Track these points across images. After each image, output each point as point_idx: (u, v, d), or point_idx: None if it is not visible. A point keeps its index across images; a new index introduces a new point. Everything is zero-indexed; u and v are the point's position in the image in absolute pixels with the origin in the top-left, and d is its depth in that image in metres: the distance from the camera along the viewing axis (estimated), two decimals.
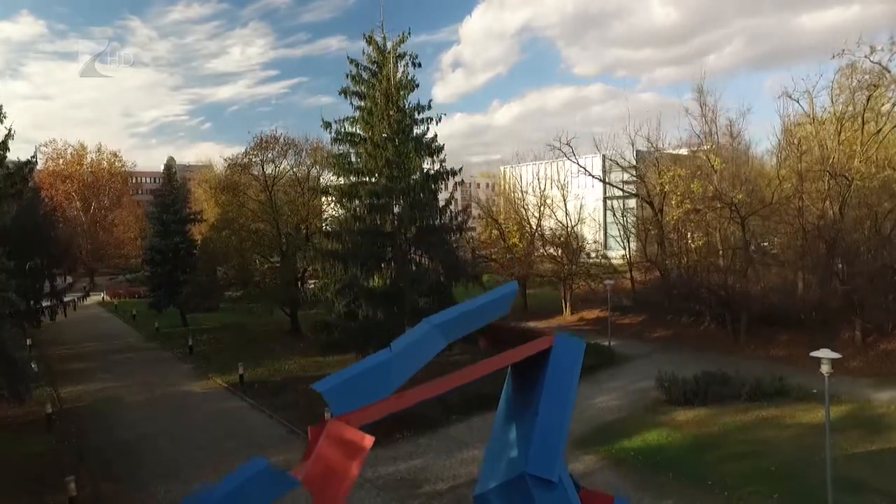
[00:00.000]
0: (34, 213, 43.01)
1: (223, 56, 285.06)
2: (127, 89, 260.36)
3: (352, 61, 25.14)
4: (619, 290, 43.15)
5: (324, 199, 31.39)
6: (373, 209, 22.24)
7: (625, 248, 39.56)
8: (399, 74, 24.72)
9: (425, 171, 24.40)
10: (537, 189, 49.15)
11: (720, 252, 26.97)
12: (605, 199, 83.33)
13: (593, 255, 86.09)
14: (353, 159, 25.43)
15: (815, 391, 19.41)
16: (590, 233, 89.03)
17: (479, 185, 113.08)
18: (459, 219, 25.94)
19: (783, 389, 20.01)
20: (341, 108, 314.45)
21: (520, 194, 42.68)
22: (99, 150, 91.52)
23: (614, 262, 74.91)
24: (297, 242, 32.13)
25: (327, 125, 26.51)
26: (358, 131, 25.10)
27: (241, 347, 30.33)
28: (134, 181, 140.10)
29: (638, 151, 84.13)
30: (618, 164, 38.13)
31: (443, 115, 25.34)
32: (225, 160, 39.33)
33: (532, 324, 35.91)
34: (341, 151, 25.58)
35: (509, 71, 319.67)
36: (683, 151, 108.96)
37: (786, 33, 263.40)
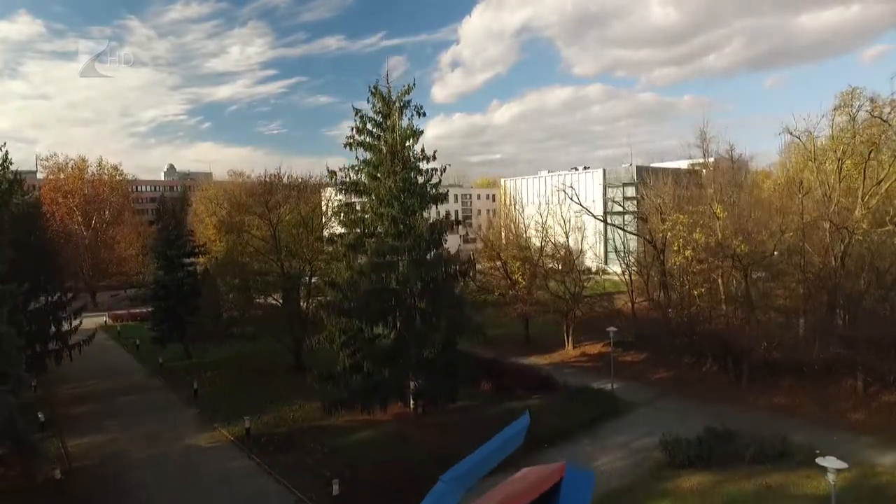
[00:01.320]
0: (38, 234, 43.54)
1: (222, 55, 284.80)
2: (125, 89, 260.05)
3: (357, 112, 25.38)
4: (619, 314, 43.56)
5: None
6: (378, 267, 22.37)
7: (625, 269, 39.49)
8: (404, 124, 25.00)
9: (430, 221, 24.61)
10: (538, 211, 49.33)
11: (722, 298, 27.12)
12: (605, 213, 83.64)
13: (593, 269, 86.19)
14: (358, 208, 25.70)
15: (818, 452, 19.62)
16: (590, 248, 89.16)
17: (479, 195, 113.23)
18: (464, 267, 26.12)
19: (787, 451, 20.16)
20: (341, 108, 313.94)
21: (522, 225, 42.57)
22: (100, 164, 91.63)
23: (614, 277, 75.03)
24: (301, 280, 32.32)
25: (332, 174, 26.74)
26: (363, 179, 25.35)
27: (245, 388, 30.48)
28: (135, 189, 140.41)
29: (639, 167, 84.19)
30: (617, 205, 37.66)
31: (448, 166, 25.53)
32: (228, 199, 39.27)
33: (533, 358, 36.09)
34: (346, 201, 25.81)
35: (508, 71, 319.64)
36: (683, 165, 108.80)
37: (785, 33, 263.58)
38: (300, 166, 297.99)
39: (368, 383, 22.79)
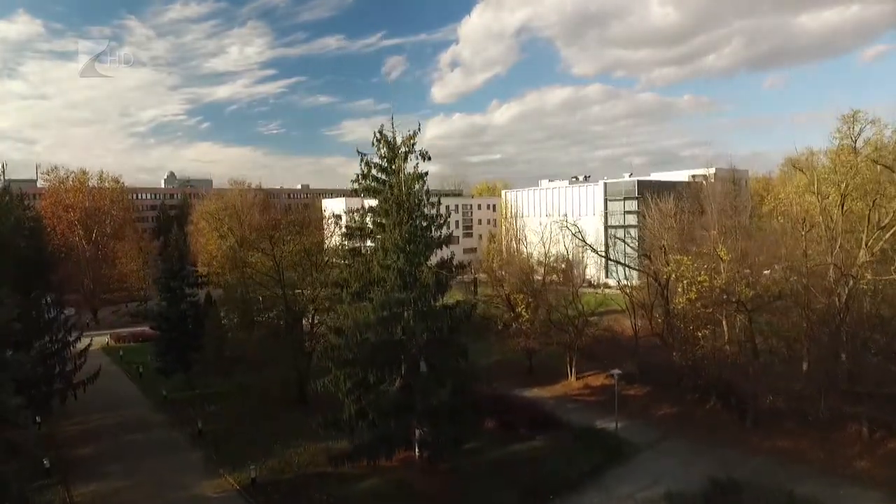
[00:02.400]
0: (39, 249, 43.31)
1: (221, 55, 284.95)
2: (125, 89, 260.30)
3: (362, 158, 25.44)
4: (621, 334, 43.59)
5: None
6: (384, 321, 22.38)
7: (628, 301, 39.37)
8: (409, 168, 25.07)
9: (435, 263, 24.63)
10: (541, 240, 49.45)
11: (726, 339, 27.16)
12: (605, 226, 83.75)
13: (594, 282, 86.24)
14: (363, 251, 25.74)
15: None
16: (592, 261, 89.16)
17: (479, 206, 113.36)
18: (466, 308, 26.11)
19: None
20: (340, 108, 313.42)
21: (524, 251, 42.59)
22: (101, 177, 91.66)
23: (615, 292, 74.82)
24: (304, 314, 32.38)
25: (337, 218, 26.78)
26: (368, 223, 25.41)
27: (249, 425, 30.57)
28: (135, 197, 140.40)
29: (639, 181, 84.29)
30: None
31: (451, 214, 25.53)
32: (233, 236, 39.26)
33: (536, 390, 36.14)
34: (352, 246, 25.86)
35: (508, 71, 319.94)
36: (683, 177, 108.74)
37: (785, 33, 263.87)
38: (300, 166, 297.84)
39: (374, 435, 22.83)
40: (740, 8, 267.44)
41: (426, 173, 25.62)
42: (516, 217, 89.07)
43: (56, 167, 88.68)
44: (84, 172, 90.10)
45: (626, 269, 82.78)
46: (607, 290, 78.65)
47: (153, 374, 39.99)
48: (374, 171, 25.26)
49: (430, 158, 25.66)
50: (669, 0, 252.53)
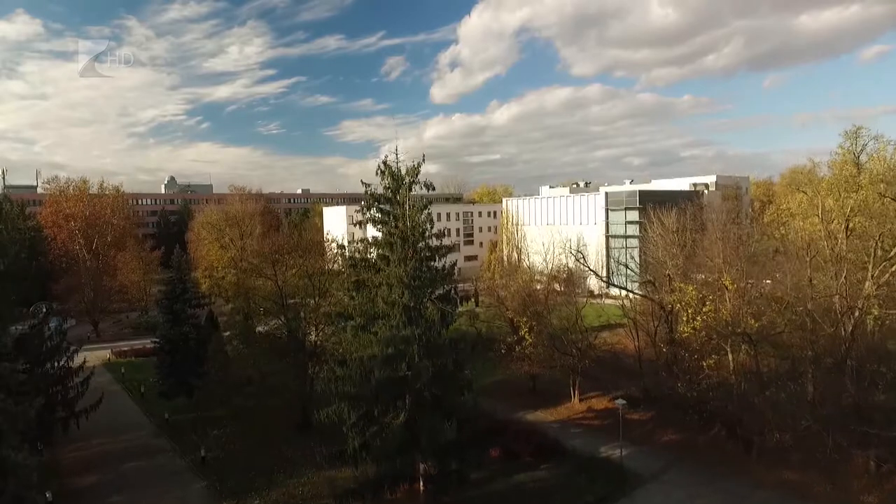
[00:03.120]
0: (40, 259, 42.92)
1: (221, 55, 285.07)
2: (124, 89, 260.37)
3: (366, 189, 25.39)
4: (623, 352, 43.53)
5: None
6: (389, 359, 22.27)
7: (631, 325, 39.25)
8: (414, 193, 25.05)
9: (437, 296, 24.55)
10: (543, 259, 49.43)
11: (731, 369, 27.07)
12: (607, 236, 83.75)
13: (596, 291, 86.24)
14: (367, 281, 25.61)
15: None
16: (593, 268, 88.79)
17: (479, 213, 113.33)
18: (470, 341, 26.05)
19: None
20: (340, 108, 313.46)
21: (526, 268, 42.47)
22: (101, 185, 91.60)
23: (616, 302, 74.49)
24: (307, 339, 32.27)
25: (341, 248, 26.69)
26: (372, 256, 25.31)
27: (252, 452, 30.46)
28: (136, 202, 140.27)
29: (641, 192, 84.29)
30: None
31: (456, 244, 25.43)
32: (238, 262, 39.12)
33: (539, 413, 36.01)
34: (356, 277, 25.74)
35: (508, 71, 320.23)
36: (685, 185, 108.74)
37: (785, 33, 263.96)
38: (299, 166, 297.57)
39: (379, 471, 22.75)
40: (740, 8, 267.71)
41: (430, 203, 25.68)
42: (517, 226, 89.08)
43: (56, 176, 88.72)
44: (84, 181, 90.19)
45: (630, 285, 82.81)
46: (608, 301, 78.91)
47: (155, 393, 39.84)
48: (378, 203, 25.27)
49: (433, 188, 25.71)
50: (669, 0, 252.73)
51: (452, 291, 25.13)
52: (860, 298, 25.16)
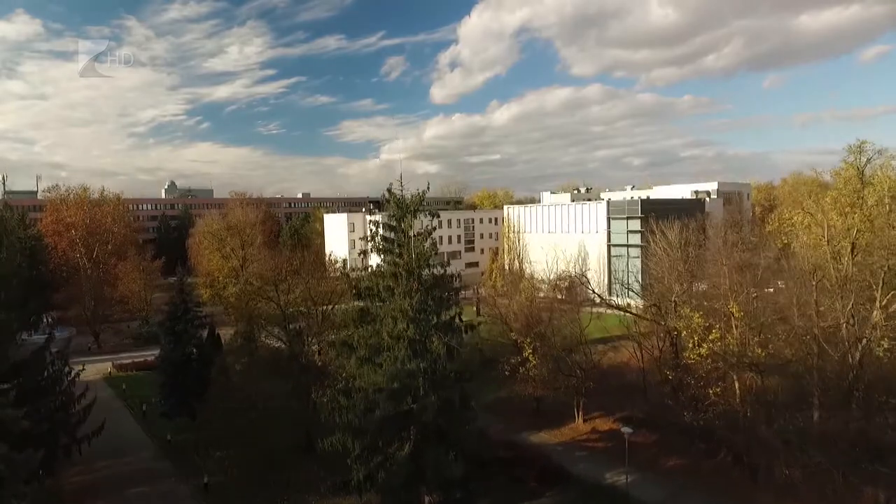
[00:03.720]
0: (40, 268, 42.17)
1: (221, 55, 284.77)
2: (124, 89, 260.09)
3: (371, 214, 25.21)
4: (626, 366, 43.40)
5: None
6: (395, 394, 22.13)
7: (635, 345, 39.07)
8: (418, 225, 24.95)
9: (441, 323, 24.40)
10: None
11: (738, 397, 26.90)
12: (609, 245, 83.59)
13: (597, 300, 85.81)
14: (371, 309, 25.49)
15: None
16: (594, 277, 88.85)
17: (481, 219, 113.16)
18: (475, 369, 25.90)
19: None
20: (340, 108, 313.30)
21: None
22: (101, 194, 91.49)
23: (619, 313, 73.91)
24: (311, 364, 32.15)
25: (346, 276, 26.56)
26: (378, 287, 25.17)
27: (256, 478, 30.32)
28: (136, 208, 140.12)
29: (642, 201, 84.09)
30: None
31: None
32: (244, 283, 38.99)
33: (543, 434, 35.85)
34: (361, 306, 25.61)
35: (508, 71, 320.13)
36: (687, 195, 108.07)
37: (785, 33, 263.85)
38: (299, 166, 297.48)
39: (383, 503, 22.61)
40: (740, 8, 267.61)
41: (434, 229, 25.56)
42: (518, 234, 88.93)
43: (57, 185, 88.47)
44: (85, 189, 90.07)
45: (632, 295, 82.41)
46: (609, 311, 78.65)
47: (157, 411, 39.63)
48: (382, 231, 25.20)
49: (438, 216, 25.61)
50: (669, 0, 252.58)
51: (457, 318, 24.90)
52: (867, 328, 25.01)
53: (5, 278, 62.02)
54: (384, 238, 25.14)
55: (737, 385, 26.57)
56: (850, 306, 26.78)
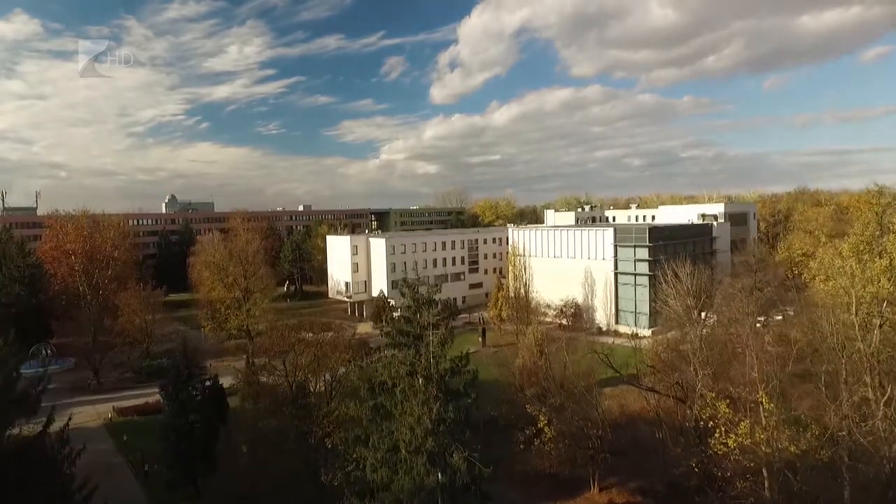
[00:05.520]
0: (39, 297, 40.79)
1: (220, 55, 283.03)
2: (123, 89, 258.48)
3: (384, 310, 24.08)
4: (638, 417, 42.27)
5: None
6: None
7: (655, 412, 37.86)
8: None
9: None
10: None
11: (768, 492, 25.77)
12: (616, 273, 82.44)
13: (604, 328, 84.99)
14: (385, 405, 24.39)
15: None
16: (601, 305, 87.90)
17: (485, 240, 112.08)
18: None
19: None
20: (340, 108, 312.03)
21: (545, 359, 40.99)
22: (102, 223, 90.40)
23: (627, 343, 73.08)
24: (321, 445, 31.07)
25: (355, 368, 25.50)
26: (392, 383, 24.09)
27: None
28: (136, 223, 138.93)
29: (650, 228, 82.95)
30: None
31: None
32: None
33: None
34: (374, 401, 24.52)
35: (507, 72, 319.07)
36: (694, 216, 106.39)
37: (785, 34, 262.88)
38: (299, 166, 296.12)
39: None
40: (740, 9, 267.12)
41: (449, 318, 24.57)
42: (524, 259, 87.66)
43: (57, 209, 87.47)
44: (84, 213, 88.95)
45: (640, 324, 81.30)
46: (618, 341, 77.61)
47: (160, 468, 38.28)
48: (398, 325, 24.16)
49: (458, 313, 24.58)
50: (669, 1, 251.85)
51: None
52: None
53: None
54: (399, 331, 24.07)
55: (766, 483, 25.47)
56: (885, 396, 25.71)
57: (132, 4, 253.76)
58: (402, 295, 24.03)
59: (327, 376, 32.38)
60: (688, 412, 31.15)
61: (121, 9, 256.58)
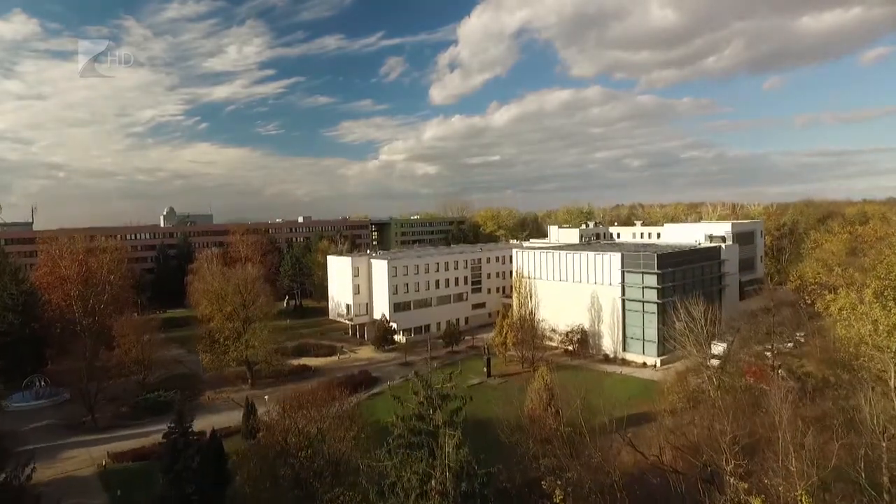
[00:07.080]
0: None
1: (219, 55, 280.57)
2: (122, 89, 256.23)
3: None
4: (651, 470, 40.45)
5: None
6: None
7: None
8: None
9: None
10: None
11: None
12: (623, 299, 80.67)
13: (611, 355, 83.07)
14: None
15: None
16: (608, 331, 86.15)
17: (488, 259, 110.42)
18: None
19: None
20: (339, 109, 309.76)
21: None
22: (99, 240, 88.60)
23: (636, 372, 71.42)
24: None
25: (369, 466, 23.89)
26: (402, 486, 22.32)
27: None
28: (133, 237, 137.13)
29: (659, 256, 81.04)
30: None
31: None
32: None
33: None
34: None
35: (507, 72, 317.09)
36: (700, 236, 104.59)
37: (785, 35, 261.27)
38: (298, 167, 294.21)
39: None
40: (740, 10, 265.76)
41: (463, 412, 22.92)
42: (529, 285, 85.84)
43: (56, 237, 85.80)
44: (81, 238, 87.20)
45: (647, 352, 79.47)
46: (625, 370, 75.73)
47: None
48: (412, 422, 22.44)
49: (471, 399, 22.92)
50: (669, 2, 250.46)
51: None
52: None
53: None
54: (411, 430, 22.32)
55: None
56: None
57: (131, 4, 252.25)
58: (414, 393, 22.31)
59: (328, 451, 30.53)
60: (716, 494, 29.35)
61: (120, 9, 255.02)
